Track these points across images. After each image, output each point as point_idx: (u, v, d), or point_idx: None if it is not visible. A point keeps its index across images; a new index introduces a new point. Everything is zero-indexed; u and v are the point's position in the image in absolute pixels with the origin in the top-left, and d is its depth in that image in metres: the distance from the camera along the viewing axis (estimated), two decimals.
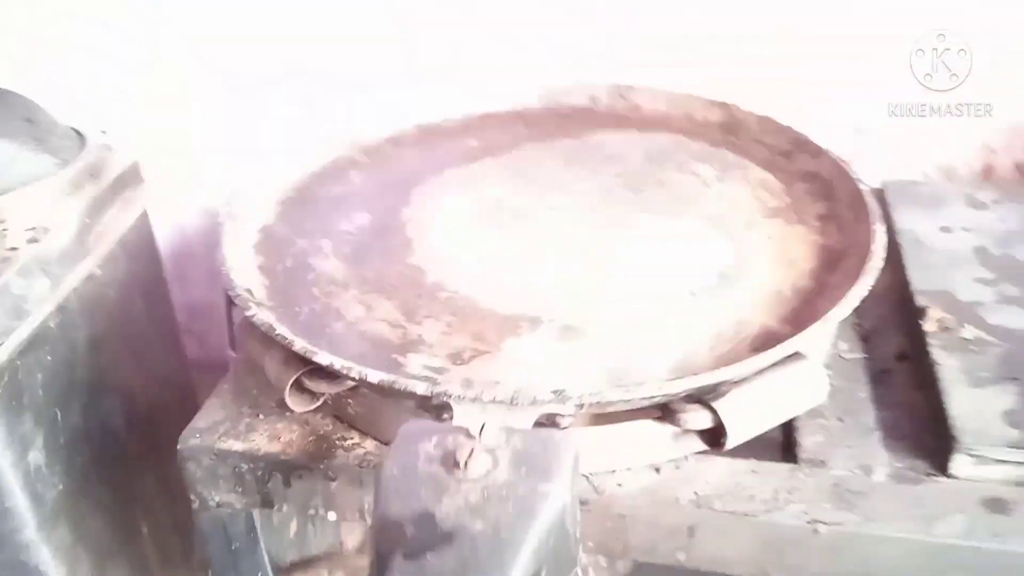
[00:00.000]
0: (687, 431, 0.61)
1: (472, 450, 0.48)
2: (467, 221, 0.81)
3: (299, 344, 0.62)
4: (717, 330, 0.67)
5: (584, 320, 0.69)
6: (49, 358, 0.80)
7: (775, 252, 0.76)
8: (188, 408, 1.07)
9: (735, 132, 0.93)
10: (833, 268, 0.73)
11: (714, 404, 0.60)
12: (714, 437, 0.61)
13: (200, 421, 0.70)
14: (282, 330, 0.63)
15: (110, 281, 0.89)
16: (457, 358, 0.65)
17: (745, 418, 0.61)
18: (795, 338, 0.61)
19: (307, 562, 0.84)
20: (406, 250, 0.78)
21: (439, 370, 0.64)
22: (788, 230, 0.79)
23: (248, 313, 0.65)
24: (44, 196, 0.82)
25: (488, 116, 1.01)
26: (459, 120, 1.00)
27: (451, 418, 0.56)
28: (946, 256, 0.80)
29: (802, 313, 0.68)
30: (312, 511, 0.68)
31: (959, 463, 0.61)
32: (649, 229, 0.79)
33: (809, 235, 0.78)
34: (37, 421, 0.79)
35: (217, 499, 0.70)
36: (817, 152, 0.85)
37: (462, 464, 0.47)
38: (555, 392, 0.57)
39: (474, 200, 0.85)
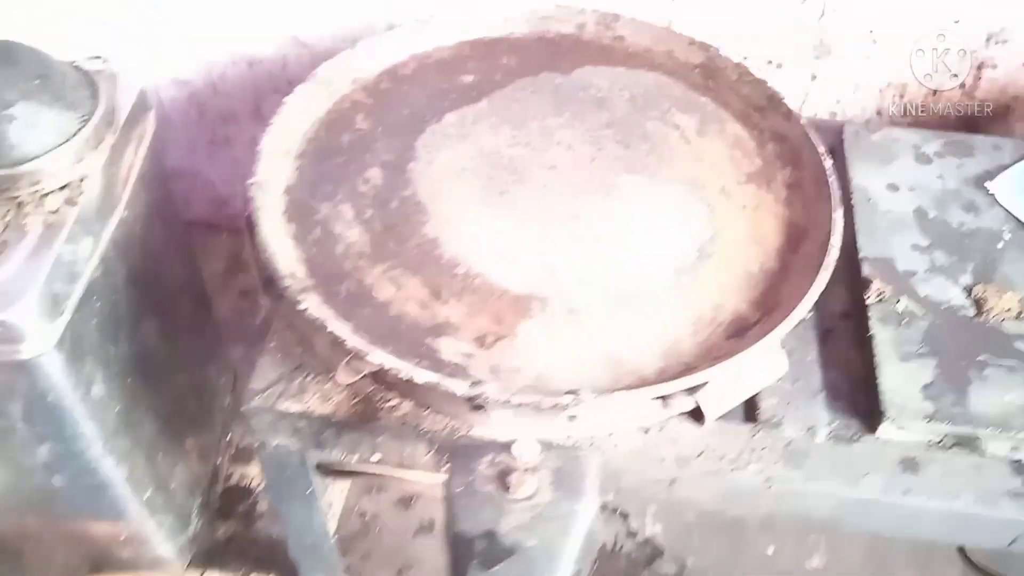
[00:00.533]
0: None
1: (520, 476, 0.62)
2: (471, 183, 0.89)
3: (353, 343, 0.73)
4: (698, 314, 0.80)
5: (585, 300, 0.80)
6: (99, 304, 0.89)
7: (747, 226, 0.87)
8: (201, 303, 1.18)
9: (714, 76, 1.01)
10: (796, 248, 0.85)
11: (696, 395, 0.74)
12: (695, 413, 0.76)
13: (257, 382, 0.82)
14: (336, 328, 0.74)
15: (136, 217, 0.96)
16: (481, 342, 0.77)
17: (720, 400, 0.76)
18: (766, 339, 0.74)
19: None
20: (420, 216, 0.86)
21: (468, 356, 0.76)
22: (759, 198, 0.90)
23: (300, 307, 0.75)
24: (71, 155, 0.87)
25: (479, 43, 1.05)
26: (452, 47, 1.04)
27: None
28: (890, 219, 0.93)
29: (768, 297, 0.81)
30: (359, 454, 0.83)
31: (885, 430, 0.78)
32: (636, 194, 0.89)
33: (777, 206, 0.89)
34: (96, 360, 0.90)
35: (276, 443, 0.83)
36: (788, 114, 0.94)
37: (514, 488, 0.61)
38: (571, 393, 0.70)
39: (474, 154, 0.92)
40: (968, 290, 0.86)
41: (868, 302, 0.85)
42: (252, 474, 1.25)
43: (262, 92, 1.32)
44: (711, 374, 0.72)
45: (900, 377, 0.79)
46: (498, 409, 0.70)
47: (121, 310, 0.94)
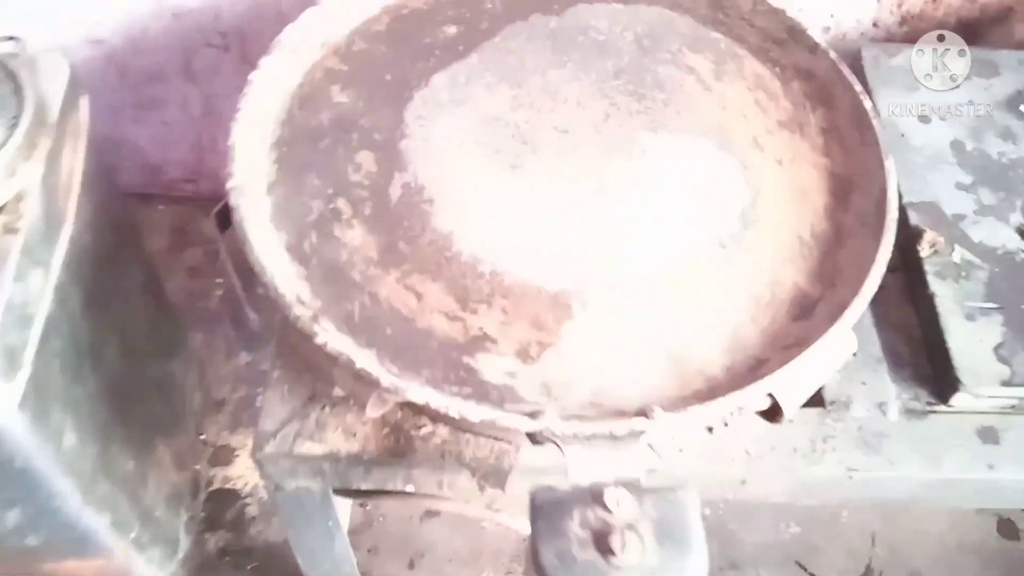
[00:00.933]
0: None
1: (623, 537, 0.54)
2: (476, 159, 0.78)
3: (388, 380, 0.63)
4: (755, 294, 0.72)
5: (627, 290, 0.71)
6: (58, 343, 0.76)
7: (787, 183, 0.79)
8: (159, 298, 1.05)
9: (724, 8, 0.90)
10: (845, 204, 0.78)
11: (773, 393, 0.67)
12: (770, 411, 0.69)
13: (267, 423, 0.71)
14: (365, 363, 0.63)
15: (84, 228, 0.82)
16: (525, 355, 0.68)
17: (797, 393, 0.68)
18: (842, 321, 0.67)
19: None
20: (426, 206, 0.75)
21: (512, 374, 0.67)
22: (794, 148, 0.81)
23: (318, 341, 0.64)
24: (2, 170, 0.72)
25: None
26: None
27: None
28: (927, 155, 0.86)
29: (826, 266, 0.74)
30: (391, 486, 0.74)
31: (960, 400, 0.72)
32: (661, 155, 0.80)
33: (814, 156, 0.81)
34: (64, 407, 0.78)
35: (295, 485, 0.74)
36: (813, 48, 0.85)
37: (618, 552, 0.53)
38: (641, 415, 0.62)
39: (474, 122, 0.81)
40: (1022, 231, 0.81)
41: (922, 255, 0.79)
42: (234, 476, 1.15)
43: (192, 47, 1.16)
44: (790, 371, 0.65)
45: (968, 339, 0.74)
46: (572, 449, 0.61)
47: (82, 341, 0.81)
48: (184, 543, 1.05)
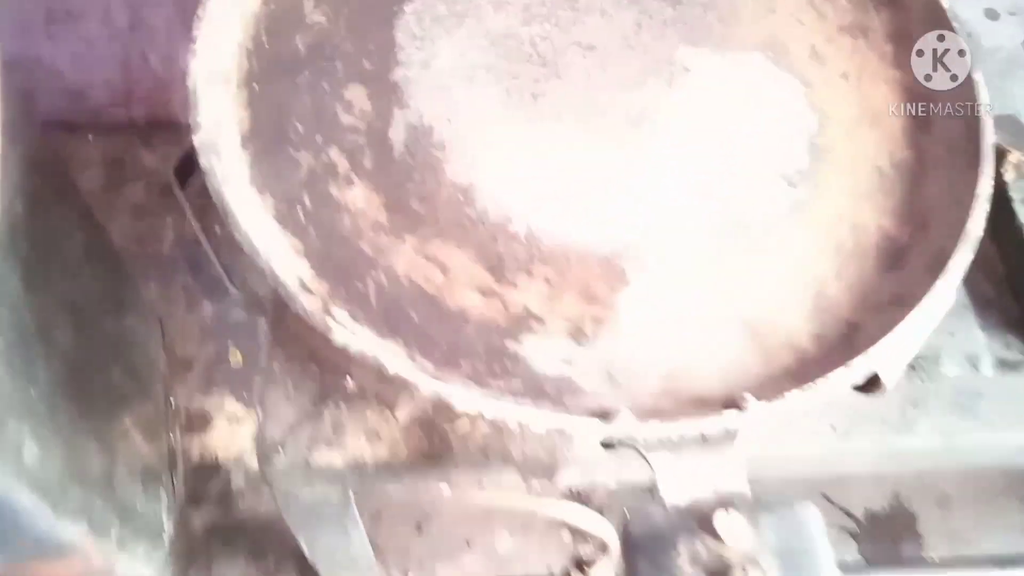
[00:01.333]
0: None
1: (743, 570, 0.45)
2: (490, 89, 0.66)
3: (428, 387, 0.52)
4: (835, 241, 0.62)
5: (687, 246, 0.61)
6: (0, 342, 0.63)
7: (856, 103, 0.68)
8: (106, 255, 0.91)
9: None
10: (927, 127, 0.67)
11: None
12: (868, 384, 0.59)
13: (273, 428, 0.59)
14: (400, 368, 0.52)
15: (15, 194, 0.66)
16: (579, 335, 0.57)
17: (896, 360, 0.59)
18: (946, 277, 0.57)
19: None
20: (436, 151, 0.63)
21: (568, 361, 0.56)
22: (861, 60, 0.70)
23: (336, 341, 0.52)
24: None
25: None
26: None
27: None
28: (999, 59, 0.75)
29: (913, 204, 0.64)
30: (422, 489, 0.63)
31: None
32: (706, 75, 0.68)
33: (884, 68, 0.70)
34: (19, 415, 0.65)
35: (310, 495, 0.63)
36: None
37: None
38: (731, 403, 0.52)
39: (481, 40, 0.68)
40: None
41: (1005, 177, 0.69)
42: (213, 444, 1.04)
43: None
44: (894, 340, 0.55)
45: None
46: (657, 457, 0.51)
47: (29, 332, 0.67)
48: (168, 527, 0.94)
